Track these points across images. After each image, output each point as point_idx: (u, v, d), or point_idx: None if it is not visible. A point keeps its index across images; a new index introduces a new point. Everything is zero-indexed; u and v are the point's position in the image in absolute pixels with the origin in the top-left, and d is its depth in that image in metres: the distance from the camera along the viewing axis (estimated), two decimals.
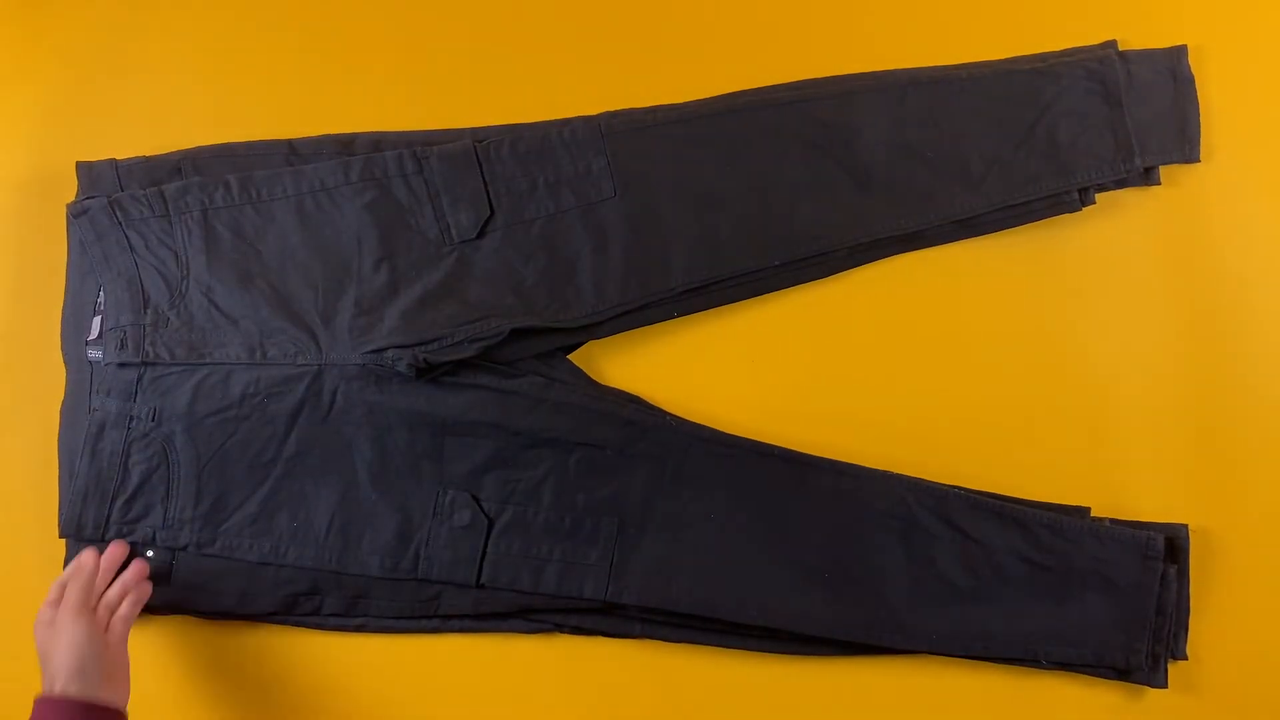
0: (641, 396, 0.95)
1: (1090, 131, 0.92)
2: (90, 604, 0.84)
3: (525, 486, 0.92)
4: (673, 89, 0.97)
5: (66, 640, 0.80)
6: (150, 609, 0.93)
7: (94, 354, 0.94)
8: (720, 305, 0.95)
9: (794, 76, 0.97)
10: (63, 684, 0.78)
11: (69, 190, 0.98)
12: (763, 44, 0.99)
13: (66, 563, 0.93)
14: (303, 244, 0.94)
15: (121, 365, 0.92)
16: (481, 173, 0.94)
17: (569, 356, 0.96)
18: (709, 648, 0.92)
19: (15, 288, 1.02)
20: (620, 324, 0.95)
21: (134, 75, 1.03)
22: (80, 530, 0.92)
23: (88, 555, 0.87)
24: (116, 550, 0.89)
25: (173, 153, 0.97)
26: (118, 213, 0.93)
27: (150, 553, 0.92)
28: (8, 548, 0.99)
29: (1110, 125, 0.92)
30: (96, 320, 0.94)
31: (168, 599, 0.93)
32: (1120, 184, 0.94)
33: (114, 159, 0.96)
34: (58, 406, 0.96)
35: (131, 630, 0.97)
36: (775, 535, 0.91)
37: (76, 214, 0.94)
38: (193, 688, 0.97)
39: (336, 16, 1.02)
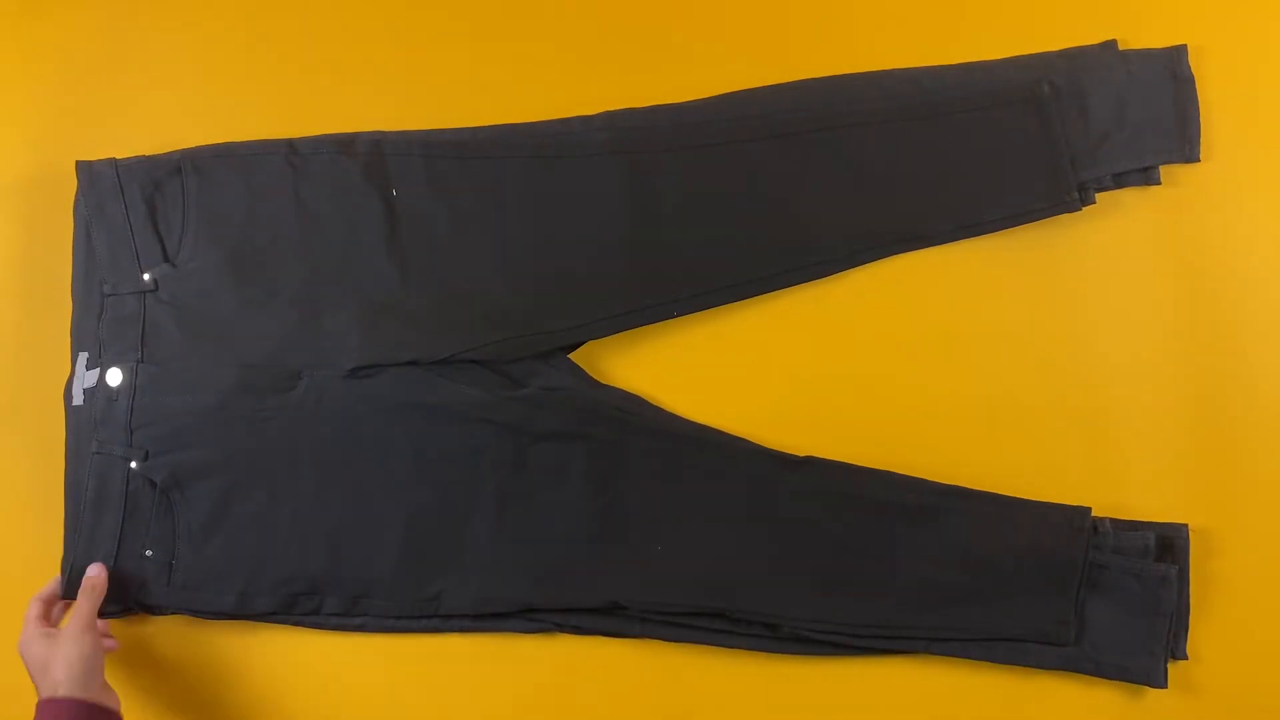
0: (641, 396, 0.95)
1: (1026, 157, 0.92)
2: (95, 620, 0.87)
3: (524, 487, 0.92)
4: (673, 89, 0.97)
5: (74, 652, 0.83)
6: (150, 608, 0.93)
7: (78, 399, 0.94)
8: (720, 305, 0.95)
9: (794, 76, 0.97)
10: (67, 690, 0.81)
11: (69, 190, 0.98)
12: (763, 44, 0.99)
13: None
14: (302, 239, 0.94)
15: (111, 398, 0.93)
16: None
17: (569, 355, 0.96)
18: (709, 648, 0.92)
19: (15, 288, 1.02)
20: (620, 323, 0.95)
21: (134, 75, 1.03)
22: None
23: (98, 571, 0.91)
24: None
25: (173, 152, 0.96)
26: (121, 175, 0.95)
27: (149, 552, 0.92)
28: (8, 548, 0.99)
29: (1048, 153, 0.92)
30: (82, 357, 0.94)
31: (168, 599, 0.93)
32: (1120, 184, 0.94)
33: (114, 159, 0.96)
34: (58, 406, 0.96)
35: (132, 630, 0.98)
36: (775, 535, 0.91)
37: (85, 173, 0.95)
38: (193, 688, 0.97)
39: (336, 16, 1.02)
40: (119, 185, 0.95)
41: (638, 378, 0.96)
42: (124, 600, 0.92)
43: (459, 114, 0.98)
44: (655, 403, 0.95)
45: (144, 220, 0.94)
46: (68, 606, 0.92)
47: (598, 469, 0.92)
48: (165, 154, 0.96)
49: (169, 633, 0.97)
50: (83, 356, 0.94)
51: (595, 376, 0.96)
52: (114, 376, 0.93)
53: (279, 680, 0.96)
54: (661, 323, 0.95)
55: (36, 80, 1.04)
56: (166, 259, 0.94)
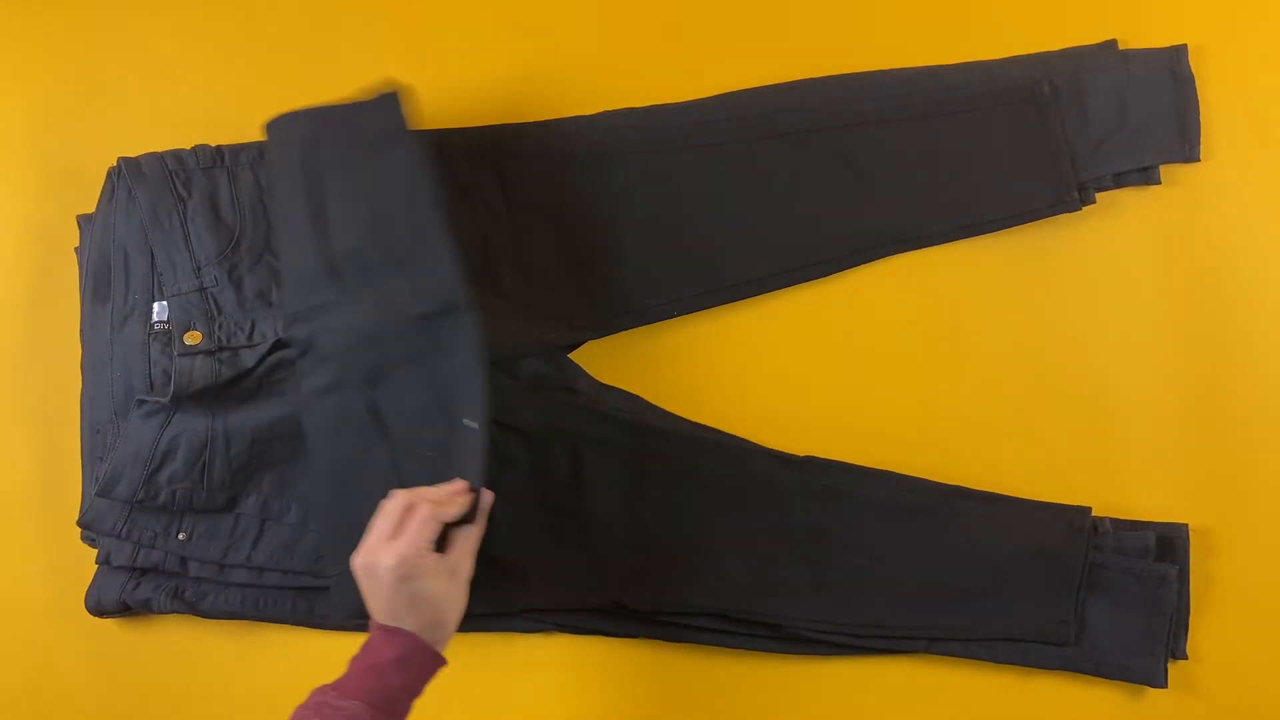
0: (641, 396, 0.95)
1: (1031, 158, 0.93)
2: None
3: (524, 486, 0.92)
4: (673, 89, 0.97)
5: (461, 602, 0.74)
6: (149, 607, 0.93)
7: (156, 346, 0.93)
8: (720, 305, 0.95)
9: (794, 76, 0.97)
10: (444, 644, 0.73)
11: (68, 190, 0.98)
12: (763, 44, 0.99)
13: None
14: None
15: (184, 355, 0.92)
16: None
17: (569, 355, 0.96)
18: (709, 648, 0.92)
19: (15, 287, 1.02)
20: (620, 324, 0.95)
21: (134, 75, 1.03)
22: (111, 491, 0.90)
23: (491, 498, 0.79)
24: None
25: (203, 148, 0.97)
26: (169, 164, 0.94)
27: (181, 535, 0.92)
28: (10, 549, 0.99)
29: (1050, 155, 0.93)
30: (158, 306, 0.93)
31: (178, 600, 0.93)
32: (1120, 184, 0.94)
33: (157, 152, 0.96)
34: (60, 405, 0.96)
35: (131, 630, 0.98)
36: (775, 535, 0.91)
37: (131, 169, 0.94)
38: (193, 688, 0.97)
39: (337, 17, 1.03)
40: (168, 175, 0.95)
41: (638, 378, 0.96)
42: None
43: (459, 114, 0.98)
44: (655, 403, 0.95)
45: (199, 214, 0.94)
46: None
47: (598, 469, 0.92)
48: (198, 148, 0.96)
49: (169, 632, 0.97)
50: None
51: (595, 376, 0.96)
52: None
53: (279, 680, 0.96)
54: (661, 323, 0.95)
55: (36, 80, 1.04)
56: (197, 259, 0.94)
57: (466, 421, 0.80)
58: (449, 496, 0.76)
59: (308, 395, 0.88)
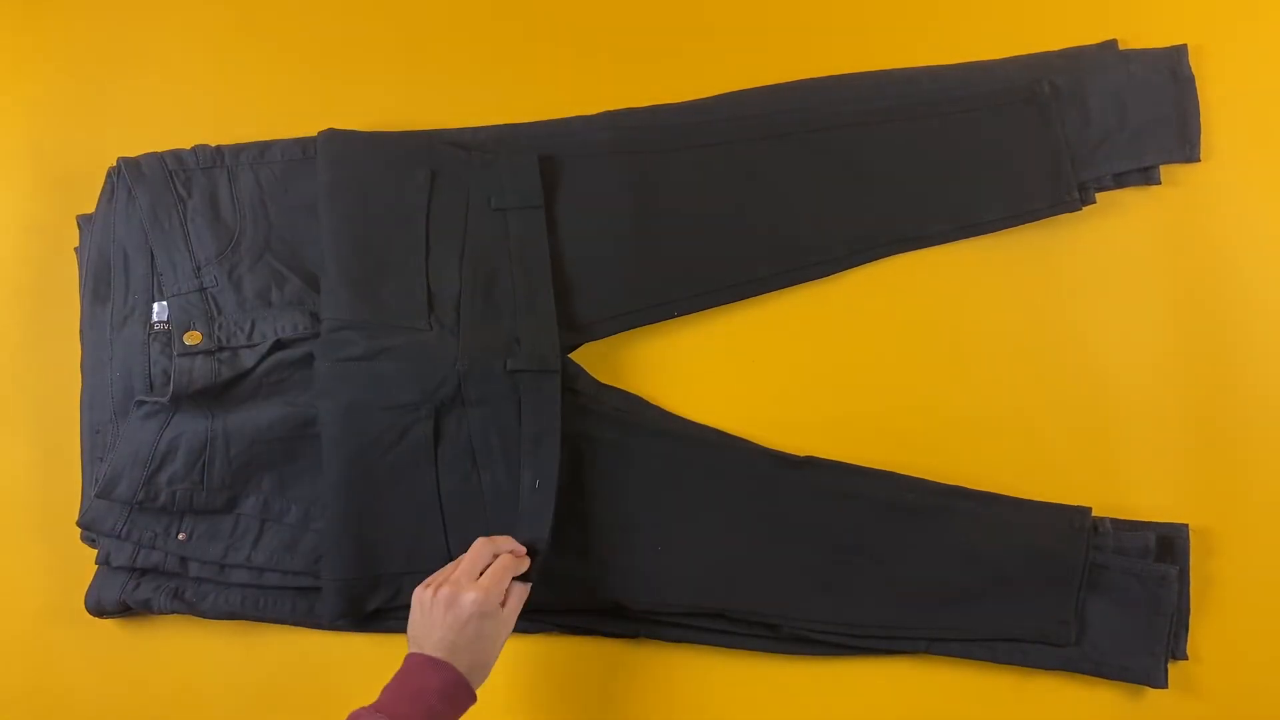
0: (641, 396, 0.95)
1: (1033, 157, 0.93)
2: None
3: (525, 487, 0.92)
4: (673, 89, 0.97)
5: (501, 646, 0.79)
6: (149, 607, 0.93)
7: (156, 346, 0.93)
8: (720, 305, 0.95)
9: (794, 76, 0.97)
10: (482, 679, 0.79)
11: (68, 191, 0.98)
12: (763, 44, 0.99)
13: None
14: (301, 239, 0.94)
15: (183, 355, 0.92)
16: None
17: (569, 355, 0.96)
18: (709, 648, 0.92)
19: (15, 287, 1.02)
20: (620, 324, 0.95)
21: (134, 75, 1.03)
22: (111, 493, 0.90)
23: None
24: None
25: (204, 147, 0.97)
26: (169, 164, 0.95)
27: (181, 536, 0.92)
28: (11, 549, 0.99)
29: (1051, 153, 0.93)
30: (158, 306, 0.93)
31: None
32: (1120, 184, 0.94)
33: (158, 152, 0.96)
34: (57, 407, 0.96)
35: (131, 630, 0.98)
36: (775, 535, 0.91)
37: (130, 169, 0.94)
38: (193, 688, 0.97)
39: (337, 16, 1.03)
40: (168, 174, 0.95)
41: (638, 378, 0.96)
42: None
43: (459, 114, 0.98)
44: (655, 403, 0.95)
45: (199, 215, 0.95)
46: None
47: (598, 469, 0.92)
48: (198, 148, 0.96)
49: (169, 633, 0.97)
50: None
51: (595, 376, 0.96)
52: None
53: (279, 680, 0.96)
54: (661, 323, 0.95)
55: (36, 80, 1.04)
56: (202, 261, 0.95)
57: (536, 485, 0.88)
58: (523, 553, 0.83)
59: (365, 403, 0.89)
